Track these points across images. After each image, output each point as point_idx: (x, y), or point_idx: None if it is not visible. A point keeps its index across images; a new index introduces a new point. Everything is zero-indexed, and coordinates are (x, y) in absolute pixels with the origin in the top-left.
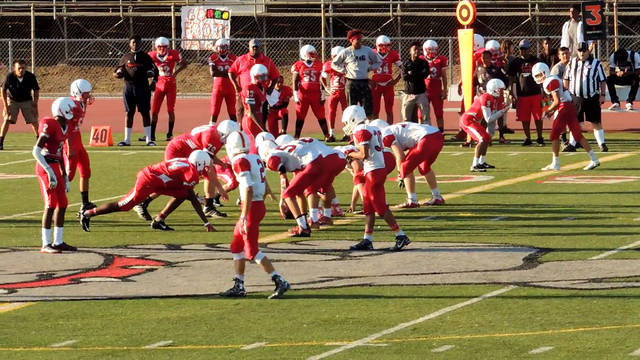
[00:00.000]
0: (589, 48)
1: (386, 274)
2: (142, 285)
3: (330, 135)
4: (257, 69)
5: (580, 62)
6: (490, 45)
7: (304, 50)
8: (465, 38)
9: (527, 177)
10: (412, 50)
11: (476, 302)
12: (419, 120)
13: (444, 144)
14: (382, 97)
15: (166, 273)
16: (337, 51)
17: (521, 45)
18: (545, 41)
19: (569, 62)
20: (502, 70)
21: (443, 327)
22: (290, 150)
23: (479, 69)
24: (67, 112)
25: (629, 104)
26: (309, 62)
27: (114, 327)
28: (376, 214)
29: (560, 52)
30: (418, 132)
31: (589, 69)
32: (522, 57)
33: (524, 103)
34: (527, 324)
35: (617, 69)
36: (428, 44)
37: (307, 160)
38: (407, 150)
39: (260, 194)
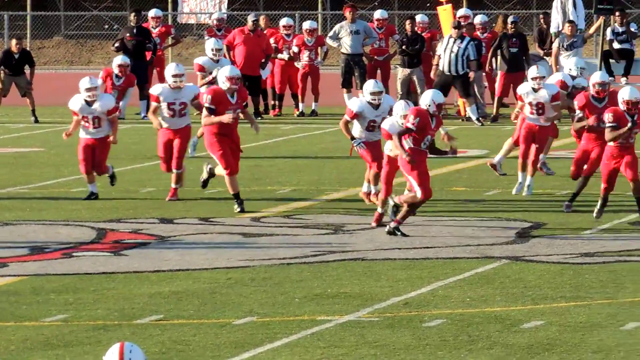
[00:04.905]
0: (600, 21)
1: (379, 249)
2: (135, 260)
3: (300, 110)
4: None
5: (452, 40)
6: (478, 19)
7: (282, 23)
8: (445, 13)
9: None
10: (408, 25)
11: (468, 277)
12: (414, 94)
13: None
14: (379, 71)
15: (159, 247)
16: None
17: (510, 20)
18: (542, 16)
19: (441, 40)
20: (482, 44)
21: (435, 302)
22: None
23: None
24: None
25: (624, 79)
26: (287, 35)
27: (105, 302)
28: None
29: (567, 25)
30: None
31: (460, 47)
32: (510, 32)
33: (505, 79)
34: (518, 299)
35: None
36: (419, 18)
37: None
38: None
39: None
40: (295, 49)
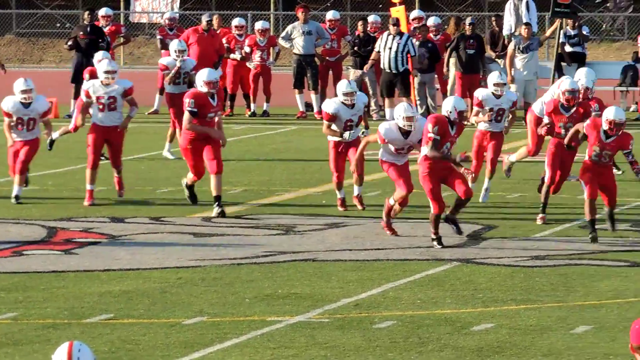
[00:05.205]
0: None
1: (330, 250)
2: (85, 259)
3: (252, 111)
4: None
5: (390, 37)
6: (432, 21)
7: (234, 23)
8: (398, 15)
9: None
10: (360, 26)
11: (419, 278)
12: (366, 95)
13: None
14: (331, 72)
15: (109, 246)
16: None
17: (468, 21)
18: (494, 18)
19: (381, 37)
20: (436, 46)
21: (385, 303)
22: None
23: (415, 43)
24: None
25: None
26: (239, 35)
27: (55, 300)
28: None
29: (523, 28)
30: None
31: (399, 44)
32: (468, 33)
33: (463, 81)
34: (469, 301)
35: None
36: (372, 18)
37: None
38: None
39: None
40: (247, 49)
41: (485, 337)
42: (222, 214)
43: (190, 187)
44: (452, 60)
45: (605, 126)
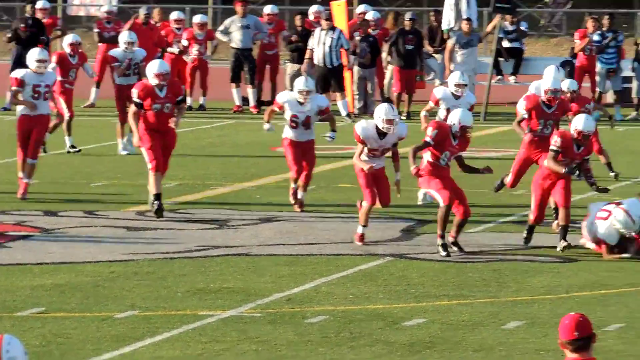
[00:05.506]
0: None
1: (263, 244)
2: (17, 252)
3: (189, 104)
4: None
5: (323, 32)
6: (371, 15)
7: (172, 17)
8: (339, 9)
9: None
10: (297, 20)
11: (352, 274)
12: None
13: None
14: (268, 66)
15: (42, 240)
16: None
17: (408, 16)
18: (433, 13)
19: (313, 33)
20: (377, 40)
21: (318, 298)
22: None
23: (357, 38)
24: None
25: (513, 77)
26: (178, 29)
27: None
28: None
29: (464, 23)
30: None
31: (332, 39)
32: (407, 29)
33: (401, 76)
34: (401, 296)
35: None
36: (314, 8)
37: None
38: None
39: None
40: (185, 42)
41: (417, 332)
42: (159, 210)
43: (158, 197)
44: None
45: (574, 135)
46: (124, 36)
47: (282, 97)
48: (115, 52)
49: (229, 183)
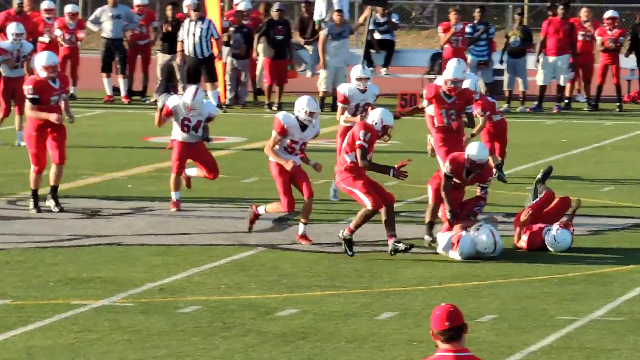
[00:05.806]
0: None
1: (135, 234)
2: None
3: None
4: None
5: (192, 23)
6: (242, 6)
7: (43, 6)
8: (211, 0)
9: None
10: (169, 11)
11: (224, 264)
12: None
13: None
14: (139, 56)
15: None
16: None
17: (276, 7)
18: (304, 4)
19: (182, 24)
20: (251, 31)
21: (190, 288)
22: None
23: (231, 29)
24: None
25: (384, 69)
26: (48, 18)
27: None
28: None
29: (335, 14)
30: None
31: (202, 29)
32: (276, 19)
33: (272, 67)
34: (274, 286)
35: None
36: (188, 1)
37: None
38: None
39: None
40: (58, 32)
41: (289, 323)
42: (59, 206)
43: (35, 193)
44: (261, 46)
45: (467, 164)
46: (12, 28)
47: (170, 102)
48: (4, 44)
49: (101, 173)
